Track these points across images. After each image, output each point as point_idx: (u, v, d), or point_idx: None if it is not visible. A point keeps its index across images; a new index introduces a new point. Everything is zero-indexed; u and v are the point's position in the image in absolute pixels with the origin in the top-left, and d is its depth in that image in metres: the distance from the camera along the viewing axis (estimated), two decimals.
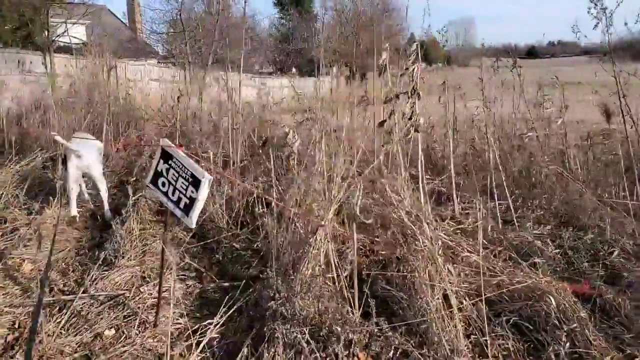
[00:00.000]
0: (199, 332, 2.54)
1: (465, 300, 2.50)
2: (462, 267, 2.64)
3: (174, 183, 2.37)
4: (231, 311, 2.62)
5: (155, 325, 2.68)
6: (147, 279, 3.13)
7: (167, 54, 25.22)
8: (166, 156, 2.42)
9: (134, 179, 5.30)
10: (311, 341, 2.24)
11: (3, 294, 2.97)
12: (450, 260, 2.60)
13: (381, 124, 3.24)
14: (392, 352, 2.21)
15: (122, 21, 29.21)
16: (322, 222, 2.64)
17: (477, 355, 2.34)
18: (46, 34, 14.67)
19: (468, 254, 2.71)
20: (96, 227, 4.13)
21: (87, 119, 6.30)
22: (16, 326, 2.69)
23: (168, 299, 2.94)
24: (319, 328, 2.31)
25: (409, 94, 3.09)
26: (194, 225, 2.31)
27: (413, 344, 2.24)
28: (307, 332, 2.26)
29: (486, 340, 2.32)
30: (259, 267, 3.32)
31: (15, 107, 8.78)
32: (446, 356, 2.20)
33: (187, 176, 2.30)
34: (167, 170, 2.40)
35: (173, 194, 2.37)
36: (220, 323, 2.56)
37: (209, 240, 3.63)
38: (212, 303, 2.94)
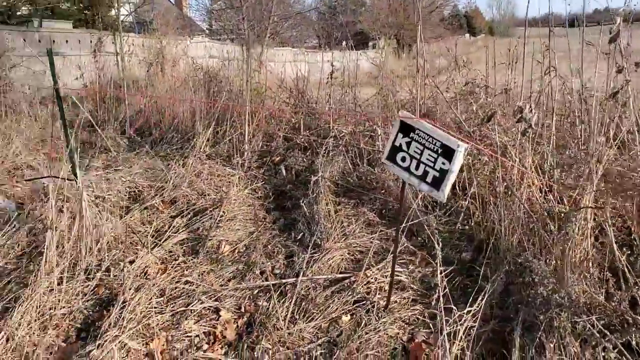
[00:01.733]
0: (451, 320, 2.66)
1: None
2: None
3: (417, 157, 2.47)
4: (480, 299, 2.74)
5: (385, 307, 2.91)
6: (361, 263, 3.36)
7: (220, 29, 26.64)
8: (406, 129, 2.53)
9: (279, 158, 5.68)
10: (605, 331, 2.28)
11: (216, 277, 3.38)
12: None
13: (614, 95, 3.11)
14: None
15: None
16: (587, 200, 2.63)
17: None
18: (114, 12, 16.06)
19: None
20: (272, 208, 4.52)
21: (221, 98, 6.81)
22: (242, 310, 3.07)
23: (397, 282, 3.18)
24: (609, 317, 2.33)
25: None
26: (444, 199, 2.42)
27: None
28: (595, 321, 2.31)
29: None
30: (470, 252, 3.44)
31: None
32: None
33: (436, 147, 2.38)
34: (408, 143, 2.51)
35: (417, 168, 2.48)
36: (471, 311, 2.70)
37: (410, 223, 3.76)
38: (436, 288, 3.08)
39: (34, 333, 2.74)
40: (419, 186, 2.49)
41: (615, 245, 2.52)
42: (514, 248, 3.00)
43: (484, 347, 2.57)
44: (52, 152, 6.07)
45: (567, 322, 2.33)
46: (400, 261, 3.35)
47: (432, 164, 2.41)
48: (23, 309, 2.82)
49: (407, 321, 2.86)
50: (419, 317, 2.89)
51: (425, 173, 2.44)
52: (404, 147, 2.54)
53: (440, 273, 2.82)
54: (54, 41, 12.58)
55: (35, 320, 2.80)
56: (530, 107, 2.93)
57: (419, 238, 3.67)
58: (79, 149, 5.48)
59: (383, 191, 4.25)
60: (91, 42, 13.13)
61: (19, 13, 14.97)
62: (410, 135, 2.51)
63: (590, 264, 2.58)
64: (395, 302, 2.98)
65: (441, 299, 2.62)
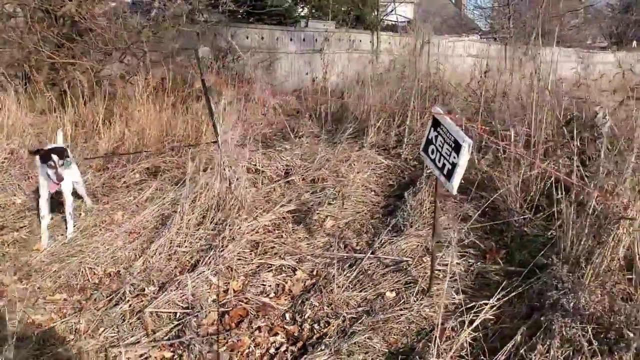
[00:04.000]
0: (473, 311, 2.89)
1: None
2: None
3: (440, 150, 2.74)
4: (510, 296, 2.87)
5: (427, 290, 3.19)
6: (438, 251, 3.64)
7: (489, 29, 26.54)
8: (436, 124, 2.80)
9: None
10: (594, 342, 2.27)
11: (307, 244, 4.03)
12: None
13: None
14: None
15: None
16: (627, 212, 2.52)
17: None
18: (375, 13, 17.41)
19: None
20: (392, 195, 4.95)
21: (396, 93, 7.39)
22: (314, 273, 3.66)
23: (452, 273, 3.42)
24: (606, 329, 2.30)
25: None
26: (454, 192, 2.63)
27: None
28: (589, 331, 2.30)
29: None
30: (550, 256, 3.41)
31: (340, 82, 11.01)
32: None
33: (451, 142, 2.62)
34: (436, 137, 2.79)
35: (439, 160, 2.74)
36: (497, 306, 2.85)
37: (498, 222, 3.89)
38: (493, 285, 3.23)
39: (161, 262, 3.80)
40: (440, 177, 2.74)
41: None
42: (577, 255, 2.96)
43: (498, 340, 2.71)
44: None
45: (562, 326, 2.36)
46: (463, 254, 3.53)
47: (447, 158, 2.66)
48: (159, 242, 3.92)
49: (446, 307, 3.10)
50: (460, 306, 3.10)
51: (444, 165, 2.70)
52: (434, 141, 2.82)
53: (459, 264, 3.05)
54: (316, 40, 14.36)
55: (164, 253, 3.86)
56: (606, 112, 2.85)
57: (505, 238, 3.75)
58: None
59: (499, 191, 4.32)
60: (349, 40, 14.86)
61: (295, 14, 17.45)
62: (437, 130, 2.77)
63: (614, 277, 2.48)
64: (443, 290, 3.23)
65: (446, 286, 2.83)
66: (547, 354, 2.35)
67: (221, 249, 3.76)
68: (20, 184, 5.64)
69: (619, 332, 2.25)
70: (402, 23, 20.04)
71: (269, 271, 3.66)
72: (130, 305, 3.28)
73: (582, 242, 2.91)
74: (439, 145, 2.74)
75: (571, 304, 2.43)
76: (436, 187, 2.98)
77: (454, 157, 2.58)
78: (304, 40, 14.19)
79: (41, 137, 6.77)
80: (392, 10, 19.83)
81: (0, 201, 5.17)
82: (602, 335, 2.30)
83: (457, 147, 2.56)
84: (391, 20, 20.92)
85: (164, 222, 4.41)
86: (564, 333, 2.36)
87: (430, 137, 2.86)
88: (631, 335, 2.16)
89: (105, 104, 7.20)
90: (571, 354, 2.32)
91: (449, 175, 2.62)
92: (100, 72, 7.73)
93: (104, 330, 3.08)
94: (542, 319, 2.50)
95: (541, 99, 4.63)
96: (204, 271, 3.50)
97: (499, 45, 18.17)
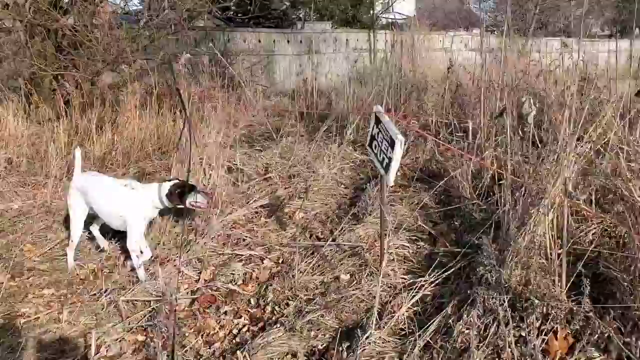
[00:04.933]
0: (415, 287, 3.11)
1: None
2: None
3: (380, 145, 2.96)
4: (448, 273, 3.11)
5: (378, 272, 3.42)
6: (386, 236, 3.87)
7: (493, 21, 26.38)
8: (377, 121, 3.02)
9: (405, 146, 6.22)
10: (508, 309, 2.48)
11: (277, 235, 4.28)
12: None
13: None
14: (597, 335, 2.23)
15: None
16: (544, 195, 2.74)
17: None
18: (372, 12, 17.50)
19: None
20: (360, 187, 5.18)
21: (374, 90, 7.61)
22: (280, 261, 3.90)
23: (402, 255, 3.66)
24: (521, 298, 2.51)
25: None
26: (391, 184, 2.86)
27: (621, 330, 2.21)
28: (506, 301, 2.52)
29: None
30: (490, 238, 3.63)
31: (334, 81, 11.20)
32: None
33: (388, 138, 2.84)
34: (378, 134, 3.01)
35: (380, 155, 2.96)
36: (436, 283, 3.09)
37: (450, 208, 4.12)
38: (438, 265, 3.44)
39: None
40: (380, 170, 2.96)
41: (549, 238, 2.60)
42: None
43: (435, 314, 2.93)
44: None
45: (484, 298, 2.58)
46: (413, 238, 3.77)
47: (386, 152, 2.87)
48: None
49: (394, 287, 3.33)
50: (406, 285, 3.32)
51: (383, 159, 2.92)
52: (376, 137, 3.03)
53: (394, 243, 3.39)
54: (312, 41, 14.45)
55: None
56: (531, 102, 3.04)
57: (455, 222, 3.97)
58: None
59: (453, 179, 4.53)
60: (346, 40, 15.00)
61: (292, 16, 17.43)
62: (379, 127, 2.99)
63: (532, 252, 2.70)
64: (393, 270, 3.46)
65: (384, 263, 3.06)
66: (471, 323, 2.57)
67: (194, 242, 3.98)
68: (17, 191, 5.87)
69: (529, 300, 2.46)
70: (400, 20, 20.01)
71: (238, 261, 3.88)
72: (110, 298, 3.50)
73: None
74: (380, 141, 2.96)
75: (494, 278, 2.64)
76: (381, 180, 3.20)
77: (390, 152, 2.79)
78: (301, 42, 14.32)
79: (37, 146, 7.00)
80: (388, 8, 19.77)
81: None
82: (517, 305, 2.52)
83: (392, 143, 2.77)
84: (389, 18, 20.81)
85: None
86: (486, 304, 2.58)
87: (373, 134, 3.07)
88: (537, 302, 2.38)
89: (98, 113, 7.41)
90: (491, 321, 2.54)
91: (387, 169, 2.83)
92: (93, 83, 7.94)
93: (84, 318, 3.30)
94: (468, 291, 2.71)
95: (489, 92, 4.83)
96: (177, 264, 3.72)
97: (498, 38, 18.04)
